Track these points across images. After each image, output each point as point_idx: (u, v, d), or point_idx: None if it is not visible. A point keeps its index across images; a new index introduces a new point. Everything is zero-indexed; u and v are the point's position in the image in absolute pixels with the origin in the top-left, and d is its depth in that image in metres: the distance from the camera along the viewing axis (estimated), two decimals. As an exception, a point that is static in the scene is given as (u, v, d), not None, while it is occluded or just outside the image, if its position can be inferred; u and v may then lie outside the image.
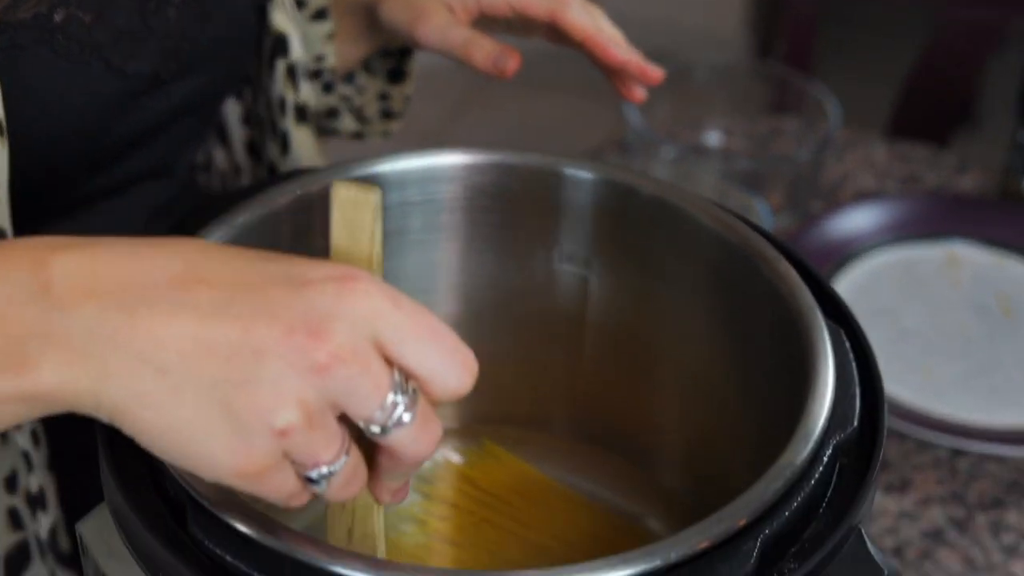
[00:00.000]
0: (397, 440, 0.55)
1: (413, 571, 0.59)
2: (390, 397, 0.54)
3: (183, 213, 0.80)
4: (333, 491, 0.56)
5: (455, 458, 0.81)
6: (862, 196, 1.22)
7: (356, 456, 0.56)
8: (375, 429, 0.55)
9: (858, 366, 0.70)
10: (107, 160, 0.81)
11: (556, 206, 0.76)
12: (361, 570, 0.58)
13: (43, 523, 0.79)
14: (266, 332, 0.52)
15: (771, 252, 0.72)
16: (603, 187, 0.75)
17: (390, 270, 0.76)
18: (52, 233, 0.76)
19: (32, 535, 0.78)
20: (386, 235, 0.74)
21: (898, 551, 0.95)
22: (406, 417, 0.54)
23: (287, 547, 0.59)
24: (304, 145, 0.91)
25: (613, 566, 0.59)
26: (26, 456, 0.76)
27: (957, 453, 1.01)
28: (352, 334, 0.53)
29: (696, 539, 0.60)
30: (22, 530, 0.78)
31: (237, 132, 0.94)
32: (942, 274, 1.14)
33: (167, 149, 0.85)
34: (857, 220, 1.16)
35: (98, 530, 0.65)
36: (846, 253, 1.14)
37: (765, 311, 0.71)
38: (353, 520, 0.64)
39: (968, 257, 1.16)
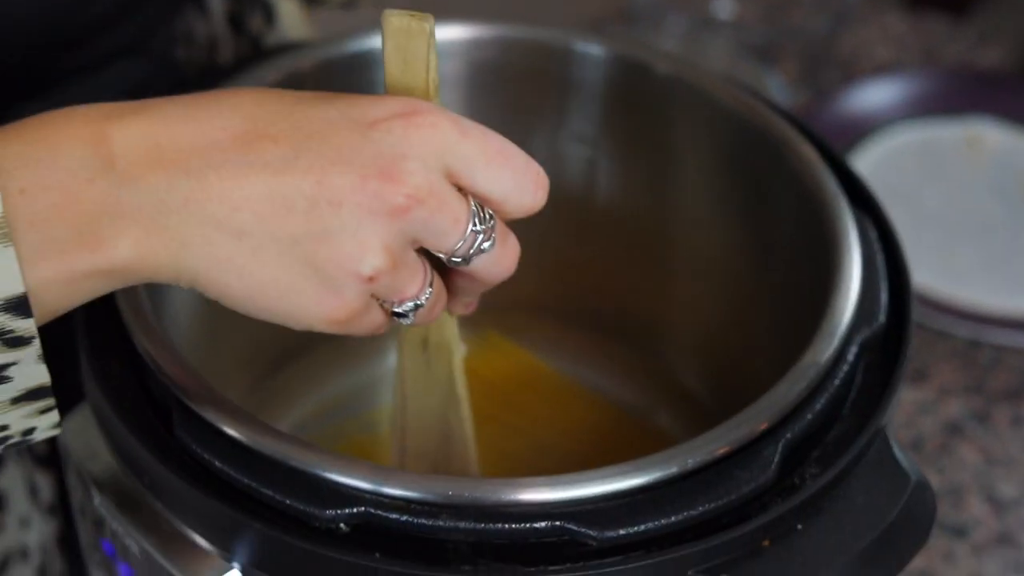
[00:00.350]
0: (478, 266, 0.55)
1: (405, 477, 0.56)
2: (469, 228, 0.54)
3: (162, 91, 0.76)
4: (418, 320, 0.56)
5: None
6: (879, 70, 1.17)
7: (439, 285, 0.56)
8: (457, 260, 0.55)
9: (885, 258, 0.66)
10: (81, 38, 0.76)
11: (564, 84, 0.72)
12: (354, 476, 0.56)
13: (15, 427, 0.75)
14: (340, 181, 0.52)
15: (793, 135, 0.68)
16: (614, 64, 0.71)
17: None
18: (25, 114, 0.73)
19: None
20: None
21: (916, 444, 0.92)
22: (486, 245, 0.55)
23: (278, 452, 0.56)
24: (290, 16, 0.86)
25: (626, 473, 0.56)
26: None
27: (975, 343, 0.97)
28: (425, 171, 0.52)
29: (714, 445, 0.57)
30: None
31: (217, 3, 0.90)
32: (962, 154, 1.10)
33: (143, 25, 0.80)
34: (873, 96, 1.11)
35: (79, 432, 0.62)
36: (862, 130, 1.09)
37: (787, 197, 0.68)
38: (428, 331, 0.63)
39: (989, 136, 1.11)
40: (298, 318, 0.54)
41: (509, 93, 0.73)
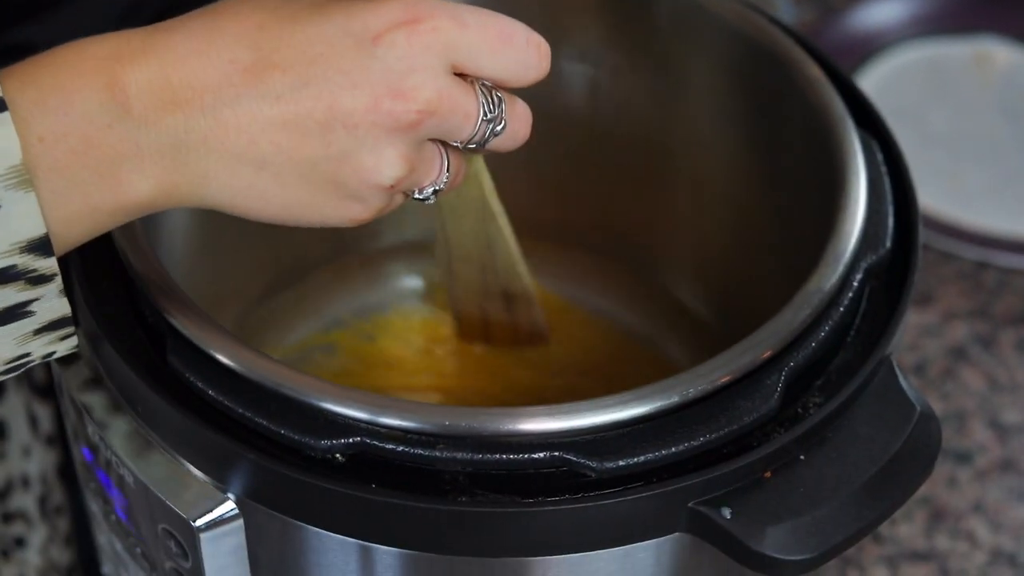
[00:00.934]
0: (495, 145, 0.58)
1: (402, 407, 0.55)
2: (480, 117, 0.56)
3: (156, 11, 0.75)
4: (440, 197, 0.58)
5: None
6: (886, -13, 1.15)
7: (455, 162, 0.58)
8: (472, 146, 0.57)
9: (891, 182, 0.65)
10: None
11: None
12: (351, 405, 0.55)
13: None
14: (351, 104, 0.53)
15: (801, 55, 0.67)
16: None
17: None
18: (22, 39, 0.71)
19: None
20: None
21: (919, 369, 0.91)
22: (498, 128, 0.57)
23: (273, 380, 0.55)
24: None
25: (626, 403, 0.55)
26: None
27: (982, 266, 0.96)
28: (434, 79, 0.54)
29: (715, 374, 0.56)
30: None
31: None
32: (970, 73, 1.08)
33: None
34: (881, 12, 1.09)
35: (73, 359, 0.61)
36: (868, 48, 1.07)
37: (793, 119, 0.66)
38: None
39: (998, 54, 1.09)
40: (325, 223, 0.57)
41: (510, 8, 0.71)
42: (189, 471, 0.57)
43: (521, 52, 0.56)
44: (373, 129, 0.54)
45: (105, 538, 0.66)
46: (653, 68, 0.71)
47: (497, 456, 0.54)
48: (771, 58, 0.67)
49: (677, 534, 0.56)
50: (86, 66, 0.53)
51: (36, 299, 0.53)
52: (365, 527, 0.55)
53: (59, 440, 0.81)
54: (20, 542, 0.81)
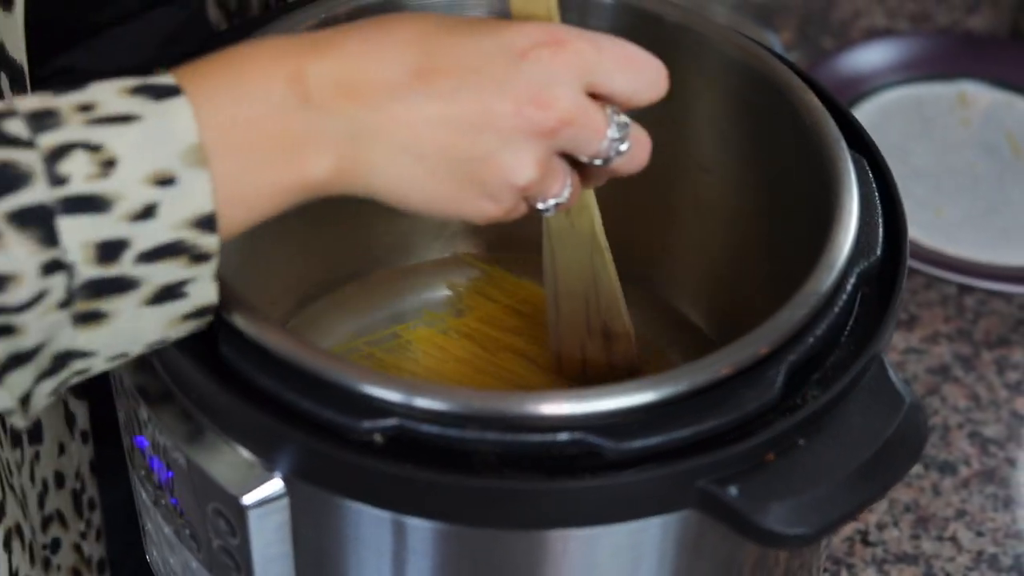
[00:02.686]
0: (617, 164, 0.65)
1: (436, 390, 0.60)
2: (609, 135, 0.63)
3: (195, 40, 0.80)
4: (558, 211, 0.65)
5: (481, 281, 0.83)
6: (873, 34, 1.21)
7: (575, 179, 0.65)
8: (598, 162, 0.64)
9: (880, 196, 0.70)
10: None
11: (578, 31, 0.76)
12: (389, 390, 0.59)
13: None
14: (500, 109, 0.60)
15: (796, 82, 0.72)
16: (625, 12, 0.75)
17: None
18: (69, 64, 0.76)
19: None
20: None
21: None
22: (623, 147, 0.64)
23: (319, 367, 0.60)
24: None
25: (642, 389, 0.60)
26: None
27: (964, 290, 1.02)
28: (572, 94, 0.61)
29: (722, 364, 0.61)
30: None
31: None
32: (952, 113, 1.14)
33: None
34: (868, 58, 1.15)
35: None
36: (856, 91, 1.13)
37: (789, 141, 0.71)
38: None
39: (978, 96, 1.15)
40: (460, 216, 0.63)
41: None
42: (238, 453, 0.62)
43: (647, 72, 0.63)
44: (515, 133, 0.60)
45: (153, 524, 0.70)
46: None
47: (523, 437, 0.59)
48: (770, 85, 0.72)
49: (685, 511, 0.61)
50: (267, 60, 0.59)
51: (192, 279, 0.59)
52: (402, 502, 0.60)
53: (92, 436, 0.85)
54: (56, 544, 0.85)
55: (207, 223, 0.57)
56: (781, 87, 0.72)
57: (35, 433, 0.81)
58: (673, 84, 0.75)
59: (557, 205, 0.64)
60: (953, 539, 0.88)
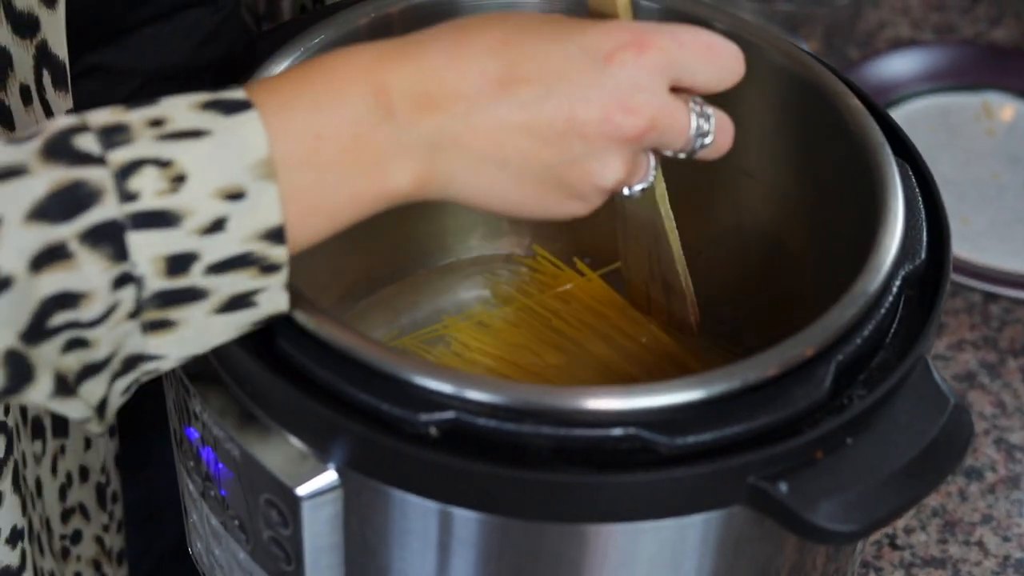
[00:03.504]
0: (701, 155, 0.66)
1: (493, 384, 0.61)
2: (693, 131, 0.64)
3: (228, 42, 0.80)
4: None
5: (524, 279, 0.83)
6: (898, 44, 1.22)
7: (658, 162, 0.66)
8: (683, 155, 0.65)
9: (924, 202, 0.71)
10: None
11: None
12: (447, 383, 0.60)
13: None
14: (586, 116, 0.60)
15: (841, 87, 0.73)
16: (672, 17, 0.76)
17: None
18: (99, 61, 0.76)
19: None
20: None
21: (933, 391, 0.97)
22: (708, 140, 0.65)
23: (377, 360, 0.61)
24: None
25: (695, 385, 0.61)
26: None
27: (989, 298, 1.03)
28: (657, 97, 0.62)
29: (773, 362, 0.62)
30: None
31: None
32: (977, 123, 1.15)
33: None
34: (893, 68, 1.16)
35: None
36: (882, 101, 1.13)
37: (833, 145, 0.72)
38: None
39: (1003, 107, 1.16)
40: (546, 217, 0.64)
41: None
42: (293, 444, 0.63)
43: (727, 59, 0.64)
44: (602, 139, 0.61)
45: (199, 515, 0.71)
46: (704, 101, 0.77)
47: (578, 432, 0.60)
48: (814, 90, 0.73)
49: (731, 508, 0.61)
50: (353, 73, 0.59)
51: (262, 289, 0.59)
52: (455, 494, 0.61)
53: (117, 431, 0.85)
54: (77, 536, 0.86)
55: (276, 235, 0.58)
56: (826, 92, 0.73)
57: (60, 427, 0.82)
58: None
59: (642, 191, 0.65)
60: (980, 544, 0.89)
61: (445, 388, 0.60)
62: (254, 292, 0.59)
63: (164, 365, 0.60)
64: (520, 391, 0.60)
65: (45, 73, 0.70)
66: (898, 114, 1.13)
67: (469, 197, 0.62)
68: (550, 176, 0.61)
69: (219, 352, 0.64)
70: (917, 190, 0.71)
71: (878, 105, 0.74)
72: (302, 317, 0.62)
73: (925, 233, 0.69)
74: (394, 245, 0.83)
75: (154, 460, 0.95)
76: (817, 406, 0.62)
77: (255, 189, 0.57)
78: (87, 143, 0.56)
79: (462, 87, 0.60)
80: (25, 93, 0.70)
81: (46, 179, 0.55)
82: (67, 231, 0.55)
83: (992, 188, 1.10)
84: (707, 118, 0.65)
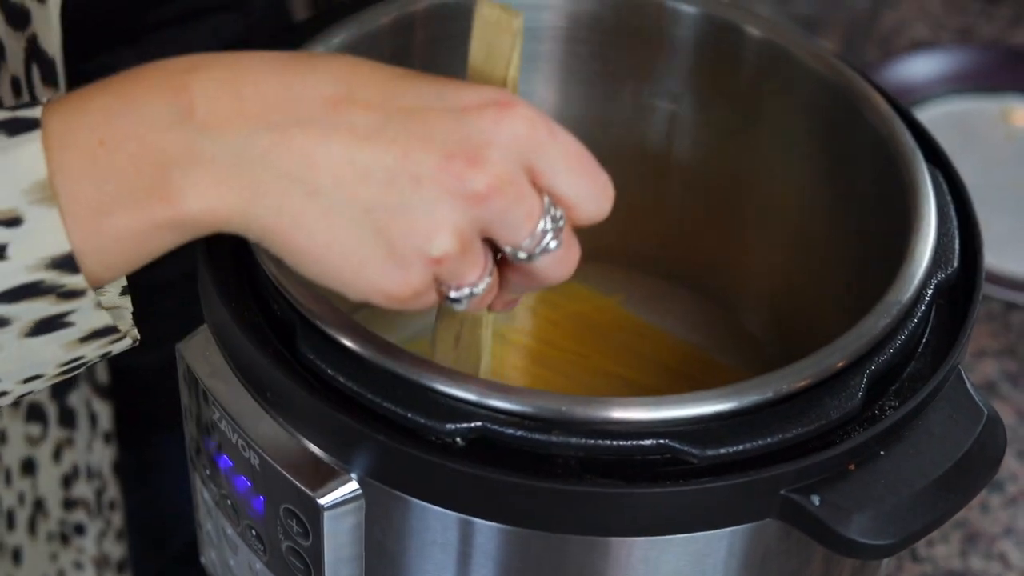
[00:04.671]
0: (542, 265, 0.56)
1: (521, 393, 0.60)
2: (540, 225, 0.54)
3: (262, 46, 0.79)
4: (470, 307, 0.57)
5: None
6: (917, 46, 1.21)
7: (495, 275, 0.57)
8: (522, 255, 0.55)
9: (955, 209, 0.70)
10: None
11: (655, 40, 0.76)
12: (474, 392, 0.59)
13: None
14: (423, 157, 0.52)
15: (871, 92, 0.72)
16: (706, 22, 0.74)
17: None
18: (114, 61, 0.75)
19: None
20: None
21: (955, 399, 0.96)
22: (553, 244, 0.55)
23: (403, 368, 0.59)
24: None
25: (726, 396, 0.60)
26: None
27: (1010, 307, 1.02)
28: (509, 162, 0.53)
29: (807, 372, 0.61)
30: None
31: None
32: (997, 128, 1.14)
33: None
34: (912, 70, 1.15)
35: (199, 350, 0.65)
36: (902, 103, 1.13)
37: (863, 151, 0.71)
38: (462, 327, 0.64)
39: (1022, 112, 1.15)
40: (358, 288, 0.54)
41: (602, 46, 0.76)
42: (314, 453, 0.61)
43: (596, 183, 0.56)
44: (437, 189, 0.52)
45: (214, 524, 0.70)
46: (730, 104, 0.76)
47: (607, 442, 0.58)
48: (845, 96, 0.72)
49: (758, 522, 0.60)
50: (158, 74, 0.52)
51: (72, 311, 0.54)
52: (480, 505, 0.60)
53: (115, 437, 0.84)
54: (80, 529, 0.85)
55: (66, 263, 0.52)
56: (856, 97, 0.71)
57: (67, 418, 0.81)
58: (746, 93, 0.76)
59: (472, 296, 0.56)
60: (1001, 556, 0.88)
61: (471, 397, 0.59)
62: (62, 315, 0.54)
63: (10, 388, 0.56)
64: (549, 400, 0.59)
65: (34, 67, 0.68)
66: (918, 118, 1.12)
67: (271, 228, 0.52)
68: (368, 222, 0.52)
69: (237, 357, 0.63)
70: (949, 197, 0.70)
71: (909, 111, 0.72)
72: (325, 323, 0.61)
73: (957, 241, 0.68)
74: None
75: (157, 467, 0.94)
76: (849, 417, 0.61)
77: (32, 215, 0.51)
78: None
79: (283, 97, 0.52)
80: (16, 85, 0.68)
81: None
82: None
83: (1012, 194, 1.09)
84: (557, 224, 0.55)
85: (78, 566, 0.86)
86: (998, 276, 1.02)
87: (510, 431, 0.58)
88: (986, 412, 0.63)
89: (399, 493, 0.60)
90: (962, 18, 1.25)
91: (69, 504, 0.84)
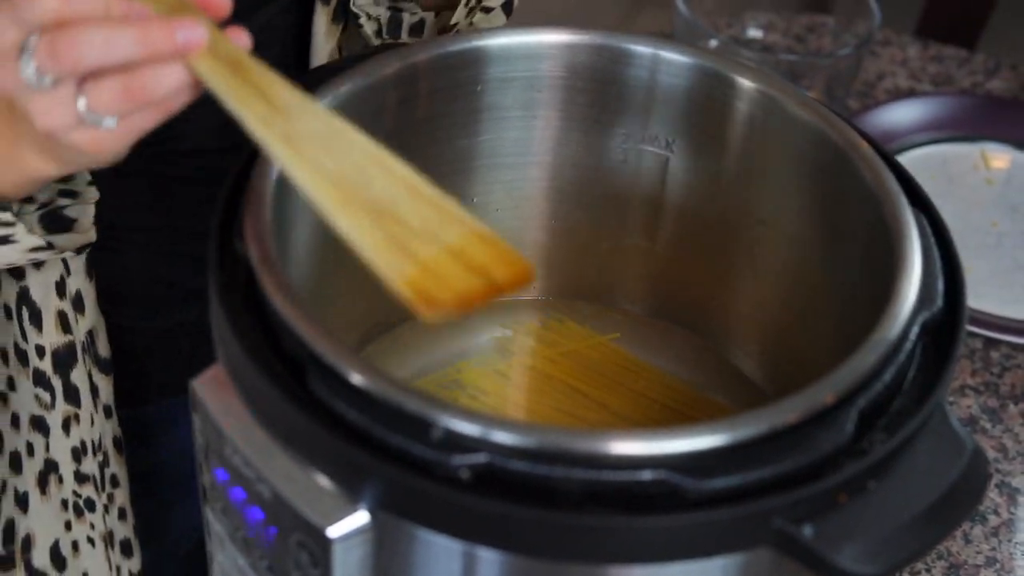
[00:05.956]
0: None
1: (526, 428, 0.62)
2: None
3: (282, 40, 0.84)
4: (41, 54, 0.62)
5: (535, 324, 0.84)
6: (897, 94, 1.24)
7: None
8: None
9: (939, 250, 0.72)
10: None
11: (647, 89, 0.78)
12: (481, 426, 0.61)
13: (82, 326, 0.84)
14: None
15: (855, 137, 0.74)
16: (697, 73, 0.77)
17: (487, 142, 0.78)
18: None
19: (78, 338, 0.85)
20: (487, 109, 0.77)
21: (937, 436, 0.98)
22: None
23: (410, 404, 0.61)
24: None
25: (722, 429, 0.62)
26: (65, 263, 0.82)
27: (990, 344, 1.04)
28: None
29: (799, 407, 0.63)
30: (70, 333, 0.83)
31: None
32: (976, 173, 1.17)
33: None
34: (892, 118, 1.18)
35: (213, 387, 0.67)
36: (881, 149, 1.16)
37: (853, 197, 0.74)
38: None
39: (1000, 157, 1.18)
40: None
41: (598, 94, 0.79)
42: (324, 486, 0.63)
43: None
44: None
45: (226, 555, 0.71)
46: (722, 151, 0.79)
47: (608, 474, 0.61)
48: (831, 141, 0.74)
49: (752, 551, 0.62)
50: None
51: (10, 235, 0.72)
52: (485, 535, 0.62)
53: (114, 412, 0.87)
54: (90, 505, 0.88)
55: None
56: (844, 144, 0.74)
57: (71, 395, 0.85)
58: (737, 140, 0.78)
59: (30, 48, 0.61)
60: (985, 587, 0.90)
61: (477, 431, 0.61)
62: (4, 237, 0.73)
63: None
64: (552, 435, 0.61)
65: None
66: (898, 163, 1.15)
67: None
68: None
69: (252, 394, 0.65)
70: (932, 239, 0.72)
71: (893, 157, 0.75)
72: (334, 359, 0.63)
73: (941, 281, 0.70)
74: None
75: (159, 433, 0.97)
76: (840, 451, 0.63)
77: None
78: None
79: None
80: None
81: None
82: None
83: (992, 236, 1.12)
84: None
85: (90, 541, 0.88)
86: (978, 316, 1.04)
87: (515, 464, 0.60)
88: (969, 446, 0.65)
89: (407, 524, 0.62)
90: (940, 67, 1.28)
91: (80, 478, 0.87)
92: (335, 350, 0.63)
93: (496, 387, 0.80)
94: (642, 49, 0.77)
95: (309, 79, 0.74)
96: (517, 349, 0.83)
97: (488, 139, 0.79)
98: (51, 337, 0.83)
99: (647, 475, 0.61)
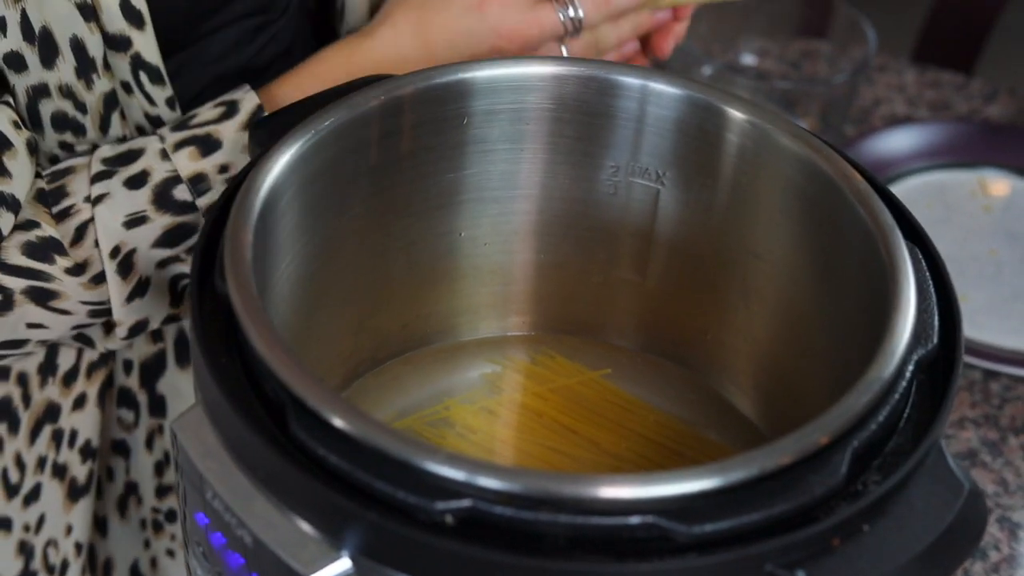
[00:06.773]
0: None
1: (509, 473, 0.60)
2: None
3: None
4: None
5: (524, 360, 0.83)
6: (893, 121, 1.23)
7: None
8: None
9: (934, 285, 0.71)
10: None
11: (637, 120, 0.77)
12: (464, 471, 0.60)
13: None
14: None
15: (850, 171, 0.73)
16: (687, 104, 0.76)
17: (473, 176, 0.77)
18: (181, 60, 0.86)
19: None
20: (473, 142, 0.75)
21: (936, 469, 0.97)
22: None
23: (393, 448, 0.60)
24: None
25: (712, 473, 0.60)
26: None
27: (990, 376, 1.03)
28: None
29: (791, 449, 0.62)
30: (161, 342, 0.86)
31: None
32: (974, 200, 1.15)
33: None
34: (889, 145, 1.16)
35: (193, 429, 0.66)
36: (880, 176, 1.14)
37: (847, 231, 0.72)
38: None
39: (998, 184, 1.17)
40: None
41: (587, 127, 0.78)
42: (306, 531, 0.62)
43: None
44: None
45: (206, 601, 0.70)
46: (713, 183, 0.78)
47: (595, 520, 0.59)
48: (825, 175, 0.73)
49: (743, 597, 0.61)
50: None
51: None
52: (470, 582, 0.60)
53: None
54: (171, 516, 0.90)
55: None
56: (837, 177, 0.73)
57: (157, 407, 0.87)
58: (728, 173, 0.77)
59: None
60: (985, 624, 0.89)
61: (461, 476, 0.59)
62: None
63: None
64: (537, 479, 0.60)
65: (141, 74, 0.82)
66: (895, 191, 1.13)
67: None
68: None
69: (231, 438, 0.64)
70: (927, 273, 0.71)
71: (886, 188, 0.74)
72: (316, 403, 0.62)
73: (936, 317, 0.69)
74: (402, 324, 0.83)
75: None
76: (833, 493, 0.62)
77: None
78: None
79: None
80: (126, 87, 0.83)
81: None
82: None
83: (990, 265, 1.11)
84: None
85: (170, 553, 0.88)
86: (977, 347, 1.03)
87: (499, 509, 0.59)
88: (967, 486, 0.64)
89: (390, 572, 0.61)
90: (937, 92, 1.27)
91: (162, 491, 0.87)
92: (317, 392, 0.62)
93: (485, 424, 0.79)
94: (631, 80, 0.76)
95: (293, 112, 0.73)
96: (506, 385, 0.81)
97: (475, 172, 0.78)
98: (140, 349, 0.86)
99: (636, 520, 0.59)
